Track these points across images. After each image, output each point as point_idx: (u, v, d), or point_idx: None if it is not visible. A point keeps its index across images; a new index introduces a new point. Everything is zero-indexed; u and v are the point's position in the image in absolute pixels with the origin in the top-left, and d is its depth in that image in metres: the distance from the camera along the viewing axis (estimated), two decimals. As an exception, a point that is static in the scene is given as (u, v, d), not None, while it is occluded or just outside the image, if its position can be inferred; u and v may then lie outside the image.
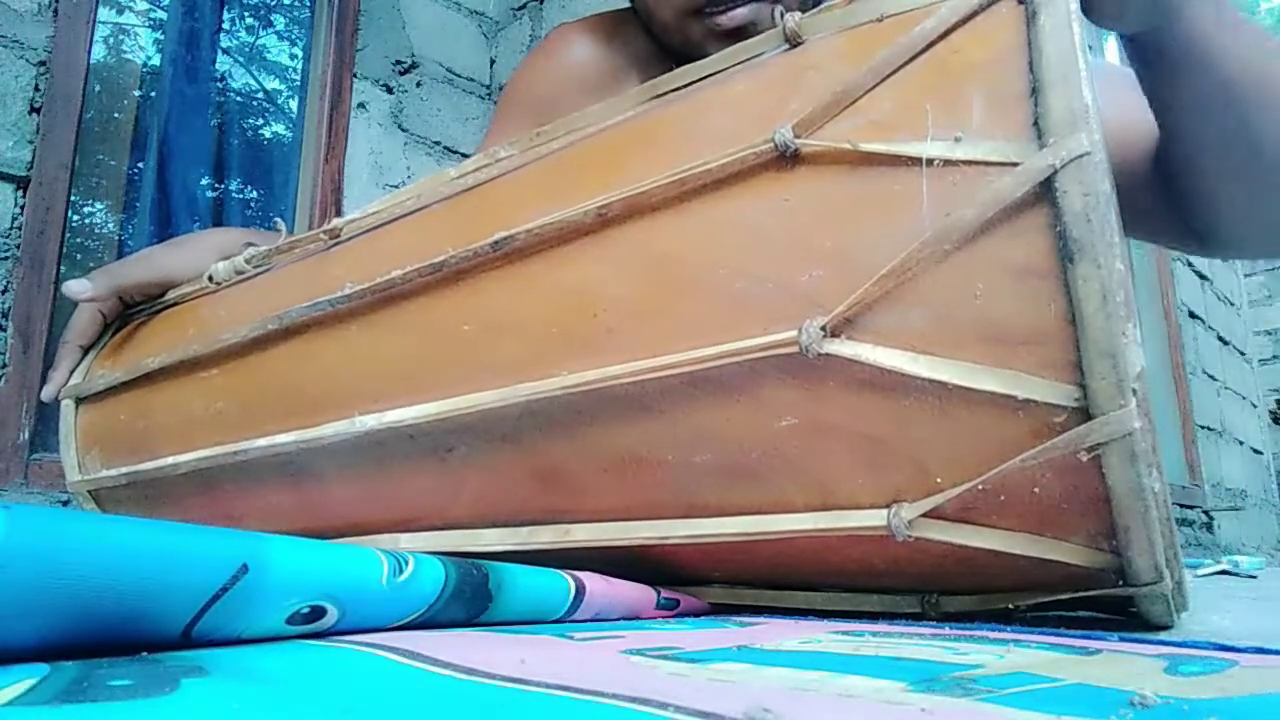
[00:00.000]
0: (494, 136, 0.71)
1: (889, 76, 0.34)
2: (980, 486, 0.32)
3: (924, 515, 0.33)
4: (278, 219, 0.57)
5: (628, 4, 0.66)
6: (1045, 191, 0.30)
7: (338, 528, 0.47)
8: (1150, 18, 0.38)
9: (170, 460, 0.52)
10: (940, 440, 0.32)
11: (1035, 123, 0.30)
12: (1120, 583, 0.33)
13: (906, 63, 0.34)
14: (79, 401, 0.60)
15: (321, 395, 0.46)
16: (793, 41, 0.39)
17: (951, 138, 0.32)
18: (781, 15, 0.39)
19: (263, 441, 0.47)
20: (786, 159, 0.35)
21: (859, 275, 0.32)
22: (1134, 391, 0.29)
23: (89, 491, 0.58)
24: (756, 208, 0.35)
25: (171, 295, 0.60)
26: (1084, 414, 0.30)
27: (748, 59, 0.41)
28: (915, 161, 0.32)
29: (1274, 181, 0.43)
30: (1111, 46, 2.98)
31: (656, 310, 0.37)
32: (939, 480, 0.33)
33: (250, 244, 0.55)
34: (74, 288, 0.59)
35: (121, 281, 0.59)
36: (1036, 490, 0.32)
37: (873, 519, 0.34)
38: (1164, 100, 0.43)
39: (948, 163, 0.31)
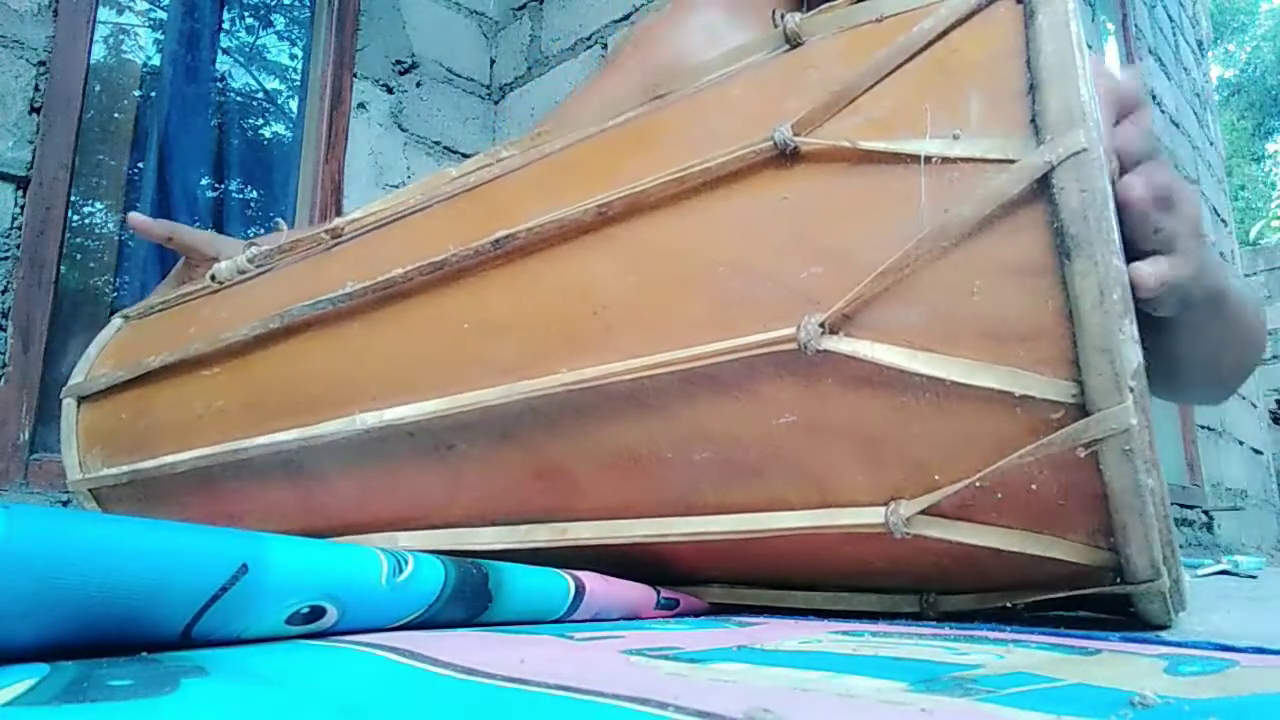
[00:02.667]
0: (606, 83, 0.71)
1: (888, 75, 0.34)
2: (978, 483, 0.32)
3: (922, 512, 0.33)
4: (279, 220, 0.58)
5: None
6: (1042, 188, 0.30)
7: (337, 526, 0.48)
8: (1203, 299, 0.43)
9: (171, 459, 0.52)
10: (938, 437, 0.32)
11: (1033, 120, 0.30)
12: (1118, 580, 0.33)
13: (905, 62, 0.34)
14: (80, 400, 0.60)
15: (322, 393, 0.46)
16: (793, 42, 0.39)
17: (950, 135, 0.32)
18: (782, 17, 0.39)
19: (263, 440, 0.47)
20: (786, 157, 0.35)
21: (857, 272, 0.32)
22: (1131, 388, 0.29)
23: (90, 490, 0.59)
24: (756, 205, 0.35)
25: (173, 294, 0.60)
26: (1081, 410, 0.30)
27: (748, 61, 0.41)
28: (913, 159, 0.32)
29: (1220, 384, 0.57)
30: (1111, 48, 2.98)
31: (656, 308, 0.37)
32: (937, 477, 0.33)
33: (253, 244, 0.56)
34: (137, 220, 0.68)
35: (179, 231, 0.67)
36: (1034, 487, 0.32)
37: (871, 516, 0.34)
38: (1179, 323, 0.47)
39: (946, 160, 0.31)
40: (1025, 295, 0.30)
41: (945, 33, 0.34)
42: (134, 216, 0.68)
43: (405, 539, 0.45)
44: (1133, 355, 0.29)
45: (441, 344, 0.43)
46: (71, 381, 0.60)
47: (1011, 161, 0.30)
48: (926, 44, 0.34)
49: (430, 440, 0.42)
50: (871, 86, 0.34)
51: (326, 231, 0.50)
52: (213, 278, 0.56)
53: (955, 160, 0.31)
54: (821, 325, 0.32)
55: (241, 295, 0.55)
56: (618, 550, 0.40)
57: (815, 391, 0.33)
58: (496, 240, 0.40)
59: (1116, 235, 0.29)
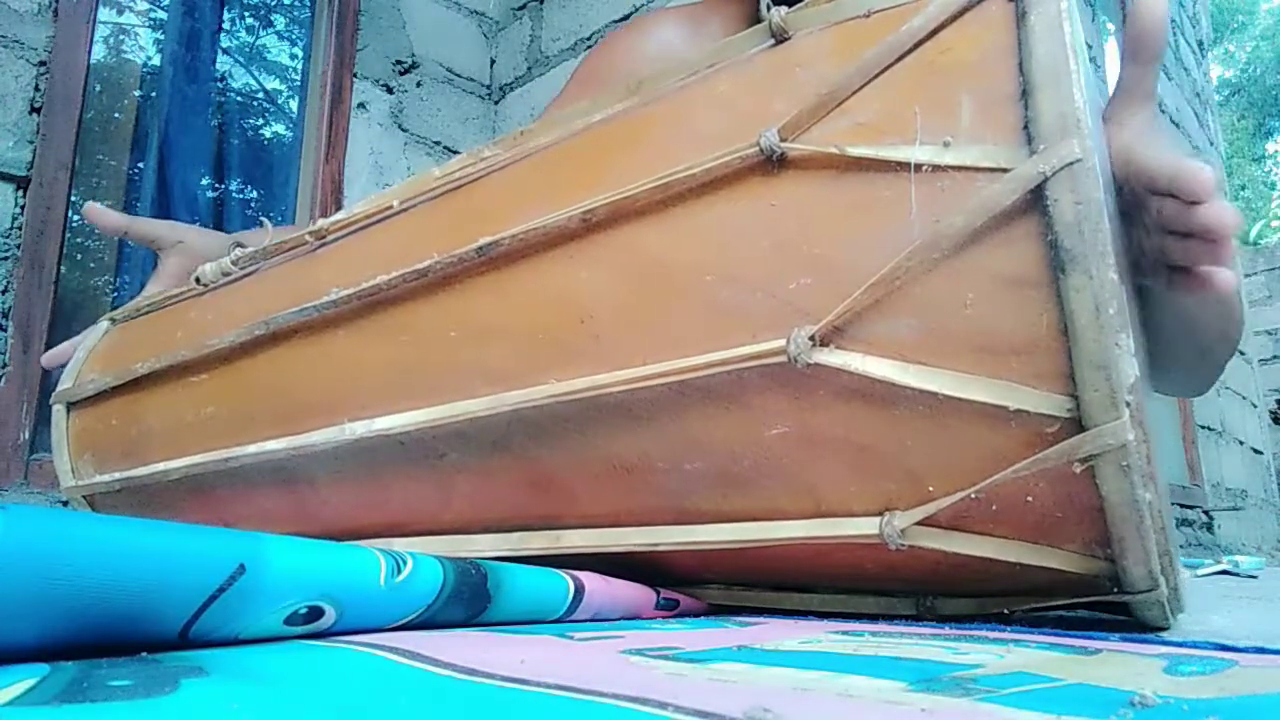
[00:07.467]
0: (562, 106, 0.71)
1: (876, 76, 0.34)
2: (973, 495, 0.31)
3: (917, 523, 0.33)
4: (264, 219, 0.57)
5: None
6: (1036, 200, 0.29)
7: (331, 533, 0.47)
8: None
9: (163, 466, 0.52)
10: (932, 449, 0.32)
11: (1025, 127, 0.30)
12: (1115, 589, 0.32)
13: (894, 62, 0.33)
14: (70, 406, 0.59)
15: (310, 402, 0.46)
16: (778, 36, 0.38)
17: (940, 142, 0.31)
18: (768, 8, 0.39)
19: (253, 448, 0.47)
20: (773, 163, 0.34)
21: (847, 283, 0.32)
22: (1127, 403, 0.28)
23: (84, 497, 0.58)
24: (743, 213, 0.35)
25: (158, 297, 0.59)
26: (1077, 425, 0.29)
27: (734, 55, 0.40)
28: (903, 166, 0.31)
29: (1202, 376, 0.60)
30: (1111, 48, 2.98)
31: (643, 317, 0.36)
32: (931, 489, 0.32)
33: (237, 244, 0.56)
34: (92, 210, 0.67)
35: (135, 223, 0.67)
36: (1030, 499, 0.31)
37: (865, 527, 0.33)
38: (1190, 314, 0.50)
39: (936, 168, 0.31)
40: (1019, 309, 0.30)
41: (935, 32, 0.33)
42: (90, 206, 0.66)
43: (400, 545, 0.44)
44: (1129, 370, 0.28)
45: (429, 352, 0.42)
46: (60, 387, 0.60)
47: (1004, 170, 0.29)
48: (916, 43, 0.33)
49: (421, 449, 0.42)
50: (860, 88, 0.34)
51: (310, 233, 0.50)
52: (197, 280, 0.56)
53: (946, 168, 0.31)
54: (812, 338, 0.32)
55: (226, 298, 0.54)
56: (612, 558, 0.40)
57: (807, 403, 0.33)
58: (480, 247, 0.40)
59: (1112, 248, 0.28)
